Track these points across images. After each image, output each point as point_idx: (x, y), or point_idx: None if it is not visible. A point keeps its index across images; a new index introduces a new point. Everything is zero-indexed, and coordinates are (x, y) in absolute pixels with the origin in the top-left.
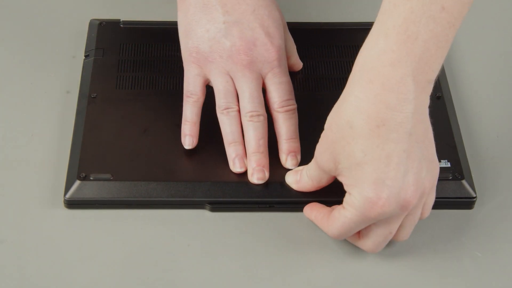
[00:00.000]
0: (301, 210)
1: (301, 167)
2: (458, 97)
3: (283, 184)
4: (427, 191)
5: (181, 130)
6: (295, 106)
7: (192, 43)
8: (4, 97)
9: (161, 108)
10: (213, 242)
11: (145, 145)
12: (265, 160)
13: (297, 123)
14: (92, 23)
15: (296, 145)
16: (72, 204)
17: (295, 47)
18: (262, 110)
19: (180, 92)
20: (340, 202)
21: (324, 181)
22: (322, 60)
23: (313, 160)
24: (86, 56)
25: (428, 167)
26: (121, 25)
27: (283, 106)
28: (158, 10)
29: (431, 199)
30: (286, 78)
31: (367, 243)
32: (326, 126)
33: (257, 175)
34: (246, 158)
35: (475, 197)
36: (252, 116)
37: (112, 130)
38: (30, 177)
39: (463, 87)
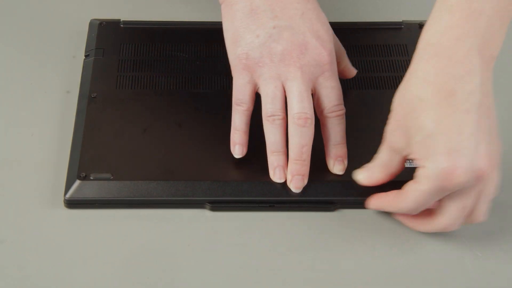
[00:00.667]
0: (301, 210)
1: (367, 164)
2: None
3: (283, 183)
4: (497, 165)
5: (230, 138)
6: (344, 111)
7: (242, 50)
8: (4, 97)
9: (161, 108)
10: (213, 241)
11: (145, 144)
12: (306, 169)
13: (345, 128)
14: (92, 23)
15: (344, 150)
16: (72, 204)
17: (344, 51)
18: (311, 113)
19: (180, 92)
20: (339, 201)
21: (395, 165)
22: None
23: (381, 146)
24: (86, 56)
25: (495, 142)
26: (121, 25)
27: (333, 111)
28: (158, 10)
29: (498, 178)
30: (337, 83)
31: (442, 221)
32: (394, 104)
33: (295, 184)
34: (287, 168)
35: None
36: (300, 118)
37: (112, 130)
38: (30, 177)
39: None
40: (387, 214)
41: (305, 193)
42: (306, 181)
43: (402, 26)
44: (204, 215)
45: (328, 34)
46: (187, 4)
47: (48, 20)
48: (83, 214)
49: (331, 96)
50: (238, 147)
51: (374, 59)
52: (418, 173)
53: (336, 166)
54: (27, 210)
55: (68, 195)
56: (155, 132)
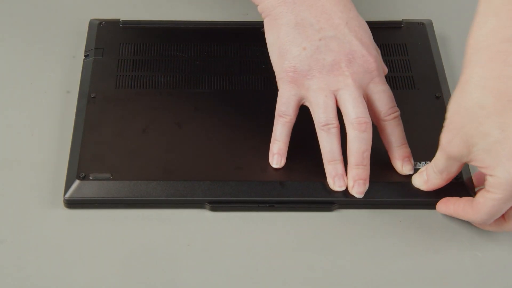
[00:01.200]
0: (301, 210)
1: (423, 167)
2: None
3: (283, 183)
4: None
5: (269, 147)
6: (399, 112)
7: (289, 63)
8: (4, 97)
9: (161, 108)
10: (213, 241)
11: (145, 144)
12: (367, 173)
13: (403, 128)
14: (92, 23)
15: (407, 150)
16: (71, 203)
17: (379, 51)
18: (368, 117)
19: (179, 92)
20: (339, 201)
21: (453, 171)
22: None
23: (438, 153)
24: (86, 56)
25: None
26: (121, 25)
27: (390, 114)
28: (158, 10)
29: None
30: (386, 86)
31: None
32: (450, 113)
33: (358, 189)
34: (346, 176)
35: None
36: (359, 123)
37: (112, 130)
38: (30, 177)
39: None
40: (387, 213)
41: (305, 193)
42: (367, 186)
43: (402, 25)
44: (204, 215)
45: (371, 40)
46: (187, 4)
47: (48, 20)
48: (83, 214)
49: (385, 100)
50: (276, 157)
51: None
52: (489, 182)
53: (405, 167)
54: (27, 210)
55: (67, 195)
56: (155, 132)
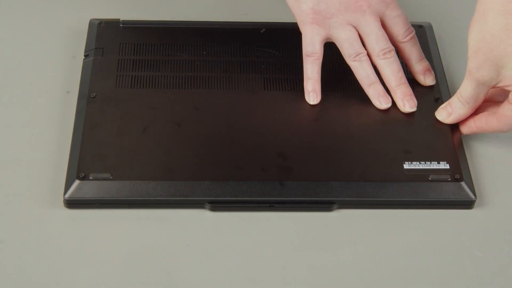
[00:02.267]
0: (300, 210)
1: (445, 103)
2: None
3: (283, 183)
4: None
5: (304, 88)
6: (414, 31)
7: (307, 6)
8: (4, 97)
9: (161, 108)
10: (213, 241)
11: (145, 144)
12: (410, 89)
13: (419, 45)
14: (91, 23)
15: (427, 63)
16: (71, 203)
17: None
18: (391, 46)
19: (179, 91)
20: (339, 201)
21: (481, 98)
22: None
23: (465, 82)
24: (85, 56)
25: None
26: (121, 25)
27: (407, 35)
28: (158, 10)
29: None
30: (401, 10)
31: None
32: (474, 42)
33: (409, 104)
34: (388, 95)
35: (474, 200)
36: (384, 53)
37: (112, 130)
38: (30, 177)
39: None
40: (387, 213)
41: (305, 193)
42: (415, 99)
43: None
44: (204, 215)
45: None
46: (187, 4)
47: (48, 20)
48: (83, 214)
49: (400, 23)
50: (312, 94)
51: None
52: None
53: (427, 78)
54: (27, 210)
55: (67, 195)
56: (155, 132)
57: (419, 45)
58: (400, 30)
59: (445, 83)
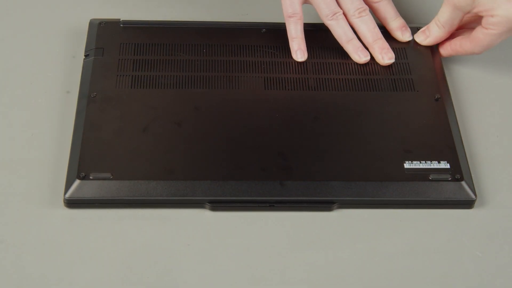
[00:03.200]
0: (300, 210)
1: (424, 27)
2: (458, 98)
3: (283, 183)
4: None
5: (290, 47)
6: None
7: None
8: (4, 97)
9: (161, 107)
10: (213, 241)
11: (145, 144)
12: (386, 44)
13: (394, 6)
14: (92, 23)
15: (402, 20)
16: (72, 203)
17: None
18: (365, 5)
19: (180, 92)
20: (339, 201)
21: (456, 23)
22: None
23: (443, 7)
24: (86, 55)
25: None
26: (121, 25)
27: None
28: (158, 10)
29: None
30: None
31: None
32: None
33: (387, 56)
34: (366, 49)
35: (474, 199)
36: (360, 12)
37: (112, 130)
38: (30, 177)
39: (463, 88)
40: (387, 213)
41: (305, 193)
42: (392, 52)
43: None
44: (204, 215)
45: None
46: (187, 4)
47: (48, 20)
48: (83, 213)
49: None
50: (299, 52)
51: (373, 61)
52: (489, 21)
53: (404, 35)
54: (27, 210)
55: (68, 195)
56: (155, 132)
57: (393, 5)
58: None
59: (445, 81)
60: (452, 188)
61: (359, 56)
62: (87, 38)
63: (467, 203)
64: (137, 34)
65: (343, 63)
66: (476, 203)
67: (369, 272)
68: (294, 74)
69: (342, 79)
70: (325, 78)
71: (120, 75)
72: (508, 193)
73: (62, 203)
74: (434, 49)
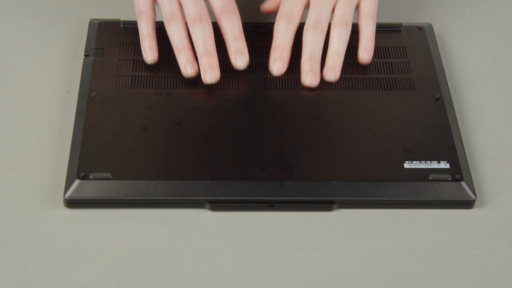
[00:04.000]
0: (300, 210)
1: None
2: (458, 98)
3: (283, 183)
4: None
5: (141, 48)
6: (236, 8)
7: None
8: (4, 97)
9: (161, 108)
10: (213, 241)
11: (145, 144)
12: (215, 60)
13: (241, 24)
14: (92, 23)
15: (242, 42)
16: (71, 203)
17: None
18: (206, 13)
19: (179, 91)
20: (339, 201)
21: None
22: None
23: None
24: (85, 55)
25: None
26: (121, 25)
27: (224, 9)
28: (158, 10)
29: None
30: None
31: None
32: None
33: (209, 74)
34: (196, 63)
35: (474, 199)
36: (196, 20)
37: (112, 130)
38: (30, 177)
39: (463, 88)
40: (387, 213)
41: (305, 193)
42: (218, 73)
43: (402, 29)
44: (204, 215)
45: None
46: None
47: (48, 20)
48: (83, 213)
49: None
50: (149, 52)
51: (373, 61)
52: None
53: (238, 60)
54: (27, 209)
55: (67, 195)
56: (155, 132)
57: (238, 22)
58: (216, 2)
59: (445, 82)
60: (452, 188)
61: (185, 68)
62: (87, 38)
63: (467, 203)
64: (137, 34)
65: (343, 62)
66: (476, 203)
67: (369, 272)
68: (294, 74)
69: (342, 78)
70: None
71: (120, 75)
72: (508, 193)
73: (62, 203)
74: (434, 49)
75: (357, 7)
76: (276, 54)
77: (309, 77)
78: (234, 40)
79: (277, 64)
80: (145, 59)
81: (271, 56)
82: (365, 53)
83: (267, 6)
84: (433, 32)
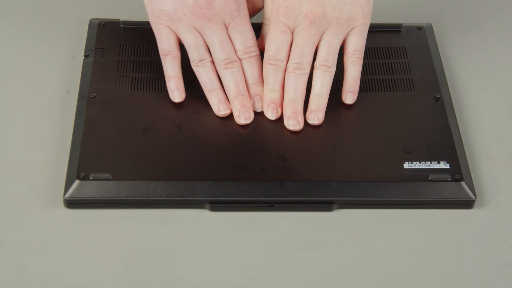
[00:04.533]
0: (300, 210)
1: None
2: (458, 98)
3: (283, 183)
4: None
5: (167, 87)
6: (258, 52)
7: (157, 7)
8: (4, 97)
9: (161, 108)
10: (213, 241)
11: (145, 144)
12: (248, 101)
13: (261, 68)
14: (91, 23)
15: (260, 88)
16: (71, 203)
17: None
18: (235, 56)
19: None
20: (339, 201)
21: None
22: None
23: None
24: (85, 56)
25: None
26: (121, 25)
27: (246, 53)
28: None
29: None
30: (247, 27)
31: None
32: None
33: (244, 116)
34: (228, 103)
35: (474, 199)
36: (226, 63)
37: (112, 130)
38: (30, 177)
39: (463, 88)
40: (387, 213)
41: (305, 193)
42: (252, 114)
43: (402, 29)
44: (203, 215)
45: None
46: None
47: (48, 20)
48: (83, 214)
49: (243, 39)
50: (176, 92)
51: (373, 62)
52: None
53: (256, 104)
54: (26, 210)
55: (67, 195)
56: (155, 132)
57: (258, 67)
58: (240, 46)
59: (444, 81)
60: (452, 188)
61: (218, 109)
62: (87, 38)
63: (467, 203)
64: (137, 34)
65: (342, 63)
66: (476, 203)
67: (369, 272)
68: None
69: (342, 79)
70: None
71: (120, 76)
72: (508, 193)
73: (61, 203)
74: (434, 49)
75: (344, 42)
76: (269, 100)
77: (291, 122)
78: (253, 85)
79: (271, 110)
80: (172, 98)
81: (264, 101)
82: (349, 97)
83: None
84: (433, 32)
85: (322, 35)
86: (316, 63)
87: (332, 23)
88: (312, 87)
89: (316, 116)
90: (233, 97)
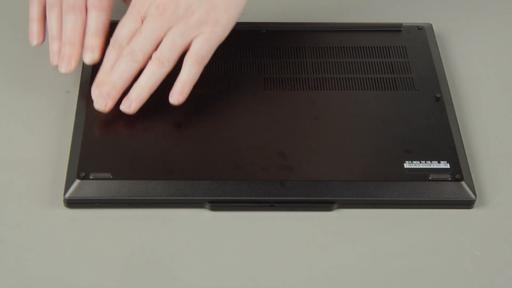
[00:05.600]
0: (300, 209)
1: None
2: (458, 98)
3: (283, 183)
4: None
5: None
6: (108, 3)
7: None
8: (4, 97)
9: (161, 108)
10: (213, 241)
11: (145, 144)
12: (74, 51)
13: (106, 20)
14: None
15: (97, 40)
16: (72, 203)
17: None
18: (81, 4)
19: None
20: (339, 201)
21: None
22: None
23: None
24: None
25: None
26: None
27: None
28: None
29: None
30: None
31: None
32: None
33: (64, 64)
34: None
35: (474, 199)
36: (68, 8)
37: (112, 130)
38: (30, 177)
39: (463, 88)
40: (387, 213)
41: (305, 193)
42: (72, 66)
43: (402, 29)
44: (204, 214)
45: None
46: None
47: None
48: (83, 213)
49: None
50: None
51: (373, 61)
52: None
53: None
54: (27, 209)
55: (67, 195)
56: (155, 132)
57: (100, 19)
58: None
59: (445, 83)
60: (452, 188)
61: (52, 58)
62: None
63: (467, 203)
64: None
65: (343, 62)
66: (476, 203)
67: (369, 272)
68: (294, 74)
69: (342, 78)
70: (325, 78)
71: None
72: (508, 193)
73: (62, 203)
74: (434, 49)
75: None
76: (98, 79)
77: (100, 101)
78: (90, 36)
79: (94, 87)
80: (31, 43)
81: (96, 81)
82: (176, 97)
83: None
84: (433, 32)
85: (168, 31)
86: (153, 55)
87: (181, 22)
88: (140, 76)
89: (130, 104)
90: (64, 44)
